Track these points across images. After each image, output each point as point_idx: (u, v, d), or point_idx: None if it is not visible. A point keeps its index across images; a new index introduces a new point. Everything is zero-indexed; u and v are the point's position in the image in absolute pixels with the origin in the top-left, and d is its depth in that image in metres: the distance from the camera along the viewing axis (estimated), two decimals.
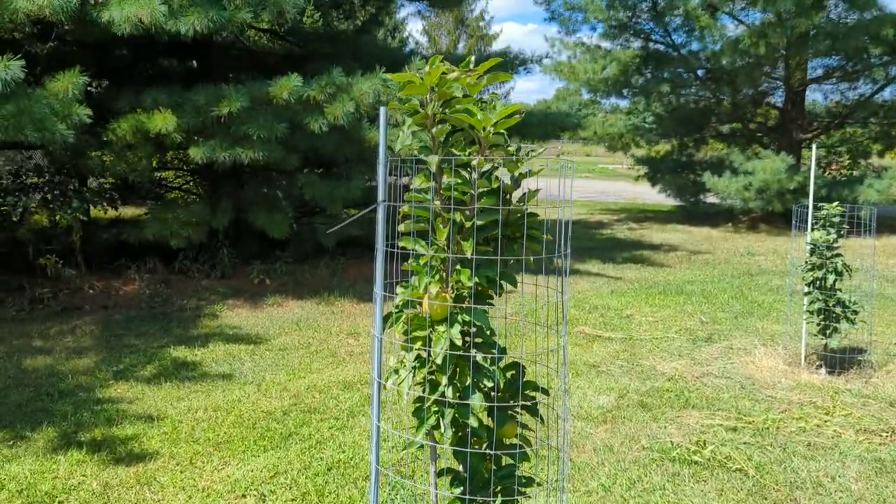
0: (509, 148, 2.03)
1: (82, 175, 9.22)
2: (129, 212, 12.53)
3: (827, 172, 17.11)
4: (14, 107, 6.11)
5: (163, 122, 7.58)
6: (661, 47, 17.35)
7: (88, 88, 7.01)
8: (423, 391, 2.12)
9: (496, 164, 2.04)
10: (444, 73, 1.98)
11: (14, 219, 8.07)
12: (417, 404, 2.16)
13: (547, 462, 4.05)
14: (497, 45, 41.47)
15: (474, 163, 2.00)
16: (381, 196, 2.13)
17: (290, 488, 3.78)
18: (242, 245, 9.86)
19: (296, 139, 8.36)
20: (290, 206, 9.43)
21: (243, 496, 3.70)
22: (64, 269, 8.22)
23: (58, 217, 8.11)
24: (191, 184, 11.89)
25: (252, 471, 3.98)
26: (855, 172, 16.86)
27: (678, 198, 17.92)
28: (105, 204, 8.89)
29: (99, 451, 4.18)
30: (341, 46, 11.43)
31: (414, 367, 2.14)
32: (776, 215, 16.00)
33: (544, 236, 2.11)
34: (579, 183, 30.52)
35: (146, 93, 8.16)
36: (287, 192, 9.64)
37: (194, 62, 11.35)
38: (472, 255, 2.03)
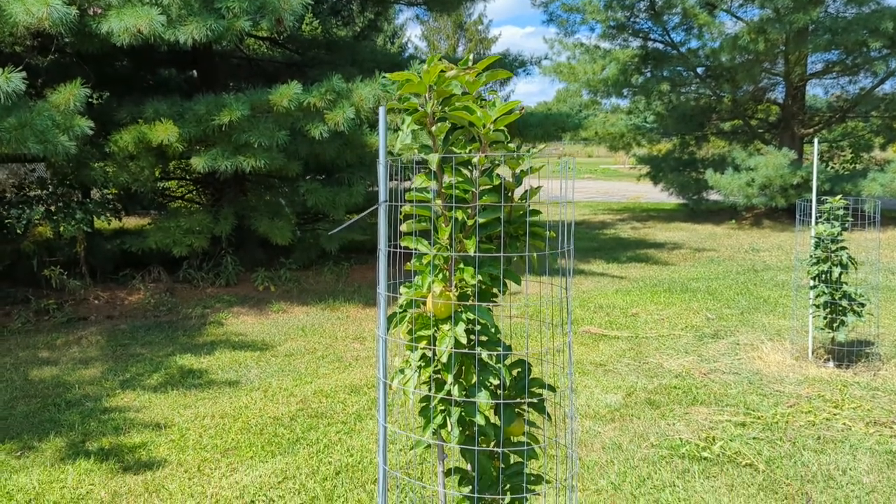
0: (510, 144, 2.02)
1: (85, 186, 9.25)
2: (132, 222, 12.57)
3: (829, 166, 17.08)
4: (16, 119, 6.13)
5: (164, 132, 7.61)
6: (660, 46, 17.36)
7: (89, 100, 7.03)
8: (429, 390, 2.12)
9: (497, 162, 2.04)
10: (442, 70, 1.98)
11: (18, 231, 8.09)
12: (423, 403, 2.15)
13: (556, 461, 4.04)
14: (496, 48, 41.53)
15: (475, 160, 2.00)
16: (382, 196, 2.13)
17: (299, 493, 3.78)
18: (246, 253, 9.88)
19: (297, 146, 8.38)
20: (292, 213, 9.45)
21: (252, 502, 3.70)
22: (68, 280, 8.24)
23: (61, 229, 8.13)
24: (193, 193, 11.93)
25: (260, 476, 3.97)
26: (858, 166, 16.82)
27: (681, 196, 17.91)
28: (108, 215, 8.91)
29: (107, 460, 4.18)
30: (340, 53, 11.47)
31: (419, 367, 2.14)
32: (780, 211, 15.98)
33: (547, 232, 2.10)
34: (582, 184, 30.52)
35: (147, 103, 8.20)
36: (289, 198, 9.66)
37: (194, 72, 11.39)
38: (475, 252, 2.02)
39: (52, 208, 8.34)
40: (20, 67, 6.06)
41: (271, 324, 7.52)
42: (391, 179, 2.23)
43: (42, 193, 8.62)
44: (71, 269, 8.49)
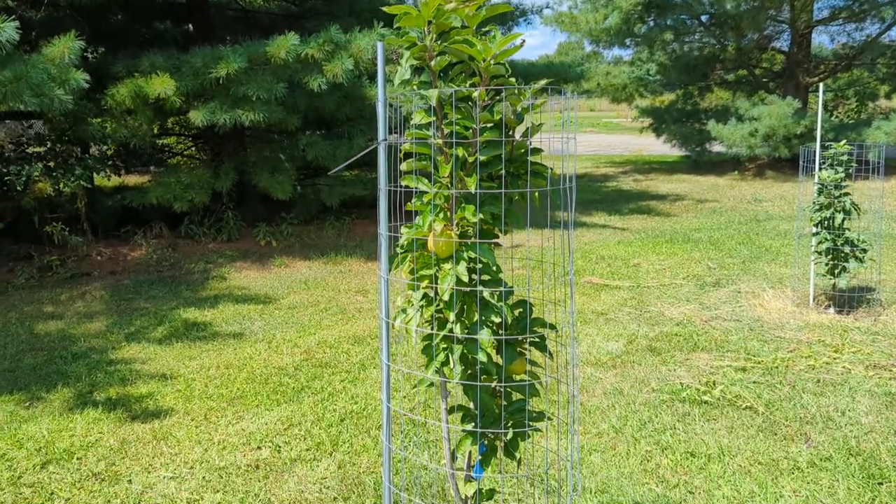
0: (511, 79, 1.99)
1: (84, 142, 9.19)
2: (132, 180, 12.53)
3: (834, 115, 16.92)
4: (11, 73, 6.06)
5: (161, 85, 7.52)
6: None
7: (85, 55, 6.93)
8: (432, 329, 2.12)
9: (498, 98, 2.01)
10: (441, 3, 1.93)
11: (18, 188, 8.07)
12: (426, 342, 2.16)
13: (557, 406, 4.09)
14: None
15: (475, 95, 1.97)
16: (381, 135, 2.10)
17: (305, 439, 3.83)
18: (247, 208, 9.86)
19: (296, 99, 8.29)
20: (292, 168, 9.40)
21: (258, 448, 3.75)
22: (70, 236, 8.24)
23: (61, 185, 8.10)
24: (193, 150, 11.86)
25: (266, 424, 4.02)
26: (862, 115, 16.65)
27: (683, 148, 17.78)
28: (108, 171, 8.87)
29: (115, 410, 4.24)
30: (338, 3, 11.25)
31: (421, 306, 2.14)
32: (783, 161, 15.87)
33: (549, 169, 2.09)
34: (584, 137, 30.29)
35: (143, 57, 8.08)
36: (289, 153, 9.60)
37: (190, 25, 11.21)
38: (475, 190, 2.01)
39: (51, 164, 8.30)
40: (13, 17, 5.96)
41: (274, 278, 7.54)
42: (390, 133, 2.20)
43: (41, 150, 8.55)
44: (72, 225, 8.49)
